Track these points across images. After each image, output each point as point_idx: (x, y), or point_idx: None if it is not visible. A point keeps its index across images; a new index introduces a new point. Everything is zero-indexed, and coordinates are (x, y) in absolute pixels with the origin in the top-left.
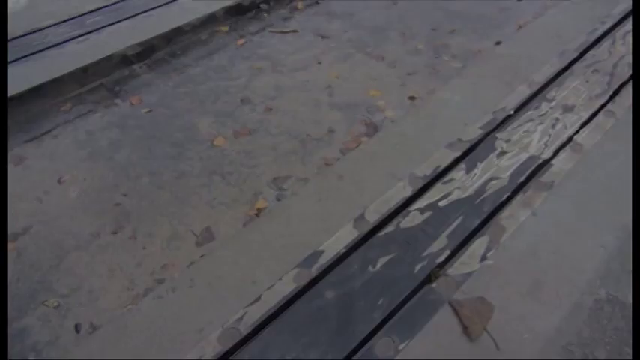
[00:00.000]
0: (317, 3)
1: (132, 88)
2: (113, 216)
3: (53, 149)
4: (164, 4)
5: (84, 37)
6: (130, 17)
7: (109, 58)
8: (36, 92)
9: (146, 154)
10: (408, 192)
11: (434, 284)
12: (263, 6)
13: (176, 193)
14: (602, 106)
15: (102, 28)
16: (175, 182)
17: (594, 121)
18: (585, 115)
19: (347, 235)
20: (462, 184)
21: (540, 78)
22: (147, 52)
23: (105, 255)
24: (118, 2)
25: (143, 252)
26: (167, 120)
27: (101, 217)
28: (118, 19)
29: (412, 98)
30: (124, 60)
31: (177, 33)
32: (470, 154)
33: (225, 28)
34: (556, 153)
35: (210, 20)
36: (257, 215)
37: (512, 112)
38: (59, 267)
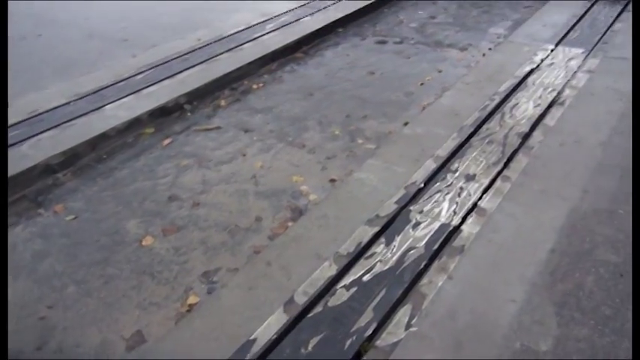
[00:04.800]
0: (239, 100)
1: (56, 197)
2: (37, 331)
3: None
4: (88, 113)
5: None
6: (52, 127)
7: (31, 169)
8: None
9: (72, 262)
10: (334, 271)
11: (365, 358)
12: (187, 106)
13: (104, 299)
14: (499, 172)
15: (23, 140)
16: (103, 287)
17: (494, 186)
18: (486, 182)
19: (277, 320)
20: (383, 257)
21: (444, 152)
22: (71, 159)
23: None
24: (40, 114)
25: None
26: (93, 225)
27: (24, 334)
28: (40, 130)
29: (333, 181)
30: (46, 170)
31: (102, 138)
32: (388, 228)
33: (151, 130)
34: (464, 219)
35: (135, 124)
36: (189, 311)
37: (422, 185)
38: None
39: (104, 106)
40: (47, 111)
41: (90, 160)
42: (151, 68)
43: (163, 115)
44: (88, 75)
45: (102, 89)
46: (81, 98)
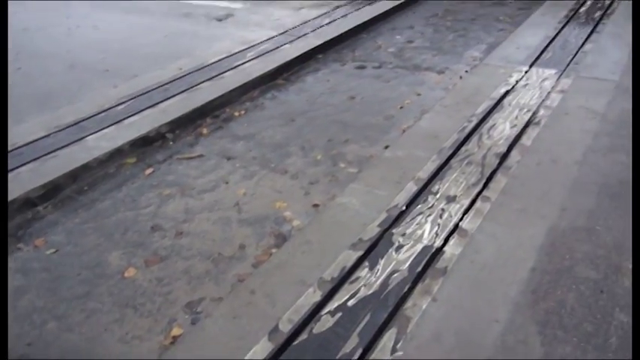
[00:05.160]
0: (221, 128)
1: (36, 231)
2: None
3: None
4: (69, 144)
5: None
6: (32, 160)
7: (10, 203)
8: None
9: (52, 297)
10: (318, 297)
11: None
12: (169, 135)
13: (86, 334)
14: (479, 193)
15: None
16: (85, 322)
17: (474, 207)
18: (466, 203)
19: (263, 349)
20: (367, 281)
21: (424, 175)
22: (51, 192)
23: None
24: (20, 147)
25: None
26: (74, 258)
27: None
28: (19, 164)
29: (316, 206)
30: (26, 203)
31: (83, 170)
32: (371, 251)
33: (133, 160)
34: (446, 240)
35: (116, 154)
36: (173, 344)
37: (404, 208)
38: None
39: (85, 137)
40: (27, 144)
41: (71, 192)
42: (132, 98)
43: (145, 144)
44: (68, 107)
45: (83, 120)
46: (61, 130)
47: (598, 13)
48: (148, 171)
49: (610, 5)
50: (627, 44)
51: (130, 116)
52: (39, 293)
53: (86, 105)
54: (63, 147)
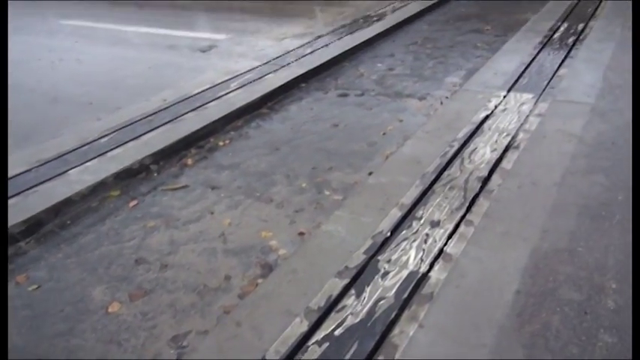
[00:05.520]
0: (205, 158)
1: (18, 267)
2: None
3: None
4: (51, 178)
5: None
6: (14, 196)
7: None
8: None
9: (33, 335)
10: (305, 327)
11: None
12: (153, 167)
13: None
14: (462, 217)
15: None
16: None
17: (458, 231)
18: (450, 227)
19: None
20: (354, 309)
21: (408, 200)
22: (33, 227)
23: None
24: None
25: None
26: (57, 294)
27: None
28: None
29: (301, 234)
30: (8, 239)
31: (66, 204)
32: (357, 279)
33: (117, 192)
34: (431, 265)
35: (100, 187)
36: None
37: (389, 234)
38: None
39: (68, 171)
40: (9, 179)
41: (53, 227)
42: (115, 131)
43: (129, 176)
44: (51, 141)
45: (65, 154)
46: (43, 164)
47: (571, 39)
48: (132, 203)
49: (582, 31)
50: (600, 68)
51: (113, 149)
52: (20, 331)
53: (69, 138)
54: (45, 181)
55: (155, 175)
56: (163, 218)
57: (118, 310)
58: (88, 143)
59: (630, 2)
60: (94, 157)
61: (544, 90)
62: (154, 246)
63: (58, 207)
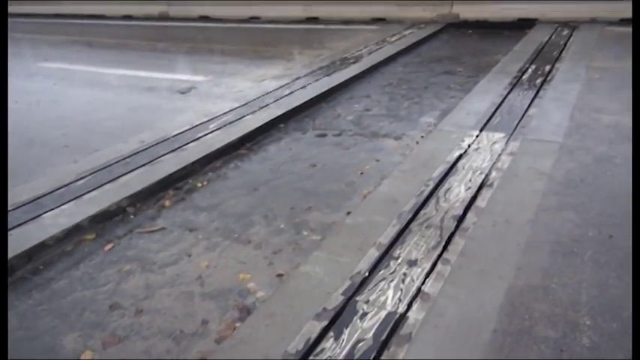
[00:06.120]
0: (183, 199)
1: None
2: None
3: None
4: (24, 223)
5: None
6: None
7: None
8: None
9: None
10: None
11: None
12: (129, 209)
13: None
14: (439, 255)
15: None
16: None
17: (435, 270)
18: (427, 266)
19: None
20: (333, 352)
21: (385, 240)
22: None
23: None
24: None
25: None
26: (27, 344)
27: None
28: None
29: (280, 276)
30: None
31: (39, 249)
32: (336, 321)
33: (92, 236)
34: (409, 306)
35: (75, 231)
36: None
37: (367, 274)
38: None
39: (42, 214)
40: None
41: (25, 273)
42: (92, 173)
43: (105, 219)
44: (25, 184)
45: (40, 197)
46: (17, 208)
47: (539, 80)
48: (108, 247)
49: (549, 72)
50: (568, 108)
51: (89, 191)
52: None
53: (44, 181)
54: (18, 225)
55: (132, 217)
56: (139, 262)
57: (91, 359)
58: (63, 186)
59: (592, 48)
60: (70, 200)
61: (515, 129)
62: (129, 290)
63: (31, 252)
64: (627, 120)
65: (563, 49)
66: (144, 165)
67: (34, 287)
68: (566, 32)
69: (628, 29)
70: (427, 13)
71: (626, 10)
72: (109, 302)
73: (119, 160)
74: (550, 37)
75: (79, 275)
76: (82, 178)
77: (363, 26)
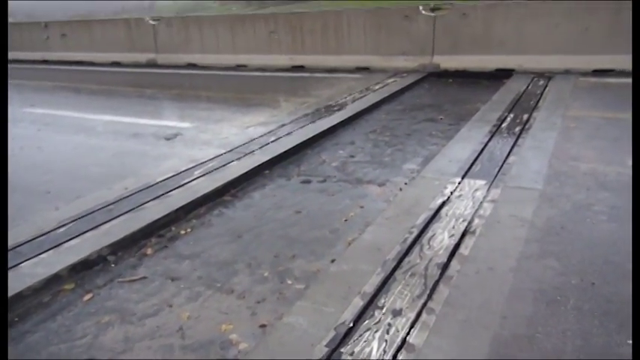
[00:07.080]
0: (166, 247)
1: None
2: None
3: None
4: None
5: None
6: None
7: None
8: None
9: None
10: None
11: None
12: (110, 257)
13: None
14: (424, 304)
15: None
16: None
17: (420, 319)
18: (412, 316)
19: None
20: None
21: (370, 289)
22: None
23: None
24: None
25: None
26: None
27: None
28: None
29: (263, 326)
30: None
31: (14, 300)
32: None
33: (71, 286)
34: (394, 357)
35: (53, 281)
36: None
37: (351, 324)
38: None
39: (19, 264)
40: None
41: None
42: (73, 220)
43: (85, 268)
44: None
45: (18, 246)
46: None
47: (517, 128)
48: (87, 297)
49: (527, 121)
50: (546, 156)
51: (70, 239)
52: None
53: (24, 229)
54: None
55: (112, 266)
56: (119, 313)
57: None
58: (44, 234)
59: (567, 98)
60: (49, 249)
61: (496, 176)
62: (107, 343)
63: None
64: (603, 167)
65: (539, 99)
66: (127, 212)
67: (8, 341)
68: (542, 82)
69: (601, 79)
70: (409, 62)
71: (599, 62)
72: (86, 356)
73: (102, 207)
74: (527, 87)
75: (55, 328)
76: (63, 225)
77: (348, 75)
